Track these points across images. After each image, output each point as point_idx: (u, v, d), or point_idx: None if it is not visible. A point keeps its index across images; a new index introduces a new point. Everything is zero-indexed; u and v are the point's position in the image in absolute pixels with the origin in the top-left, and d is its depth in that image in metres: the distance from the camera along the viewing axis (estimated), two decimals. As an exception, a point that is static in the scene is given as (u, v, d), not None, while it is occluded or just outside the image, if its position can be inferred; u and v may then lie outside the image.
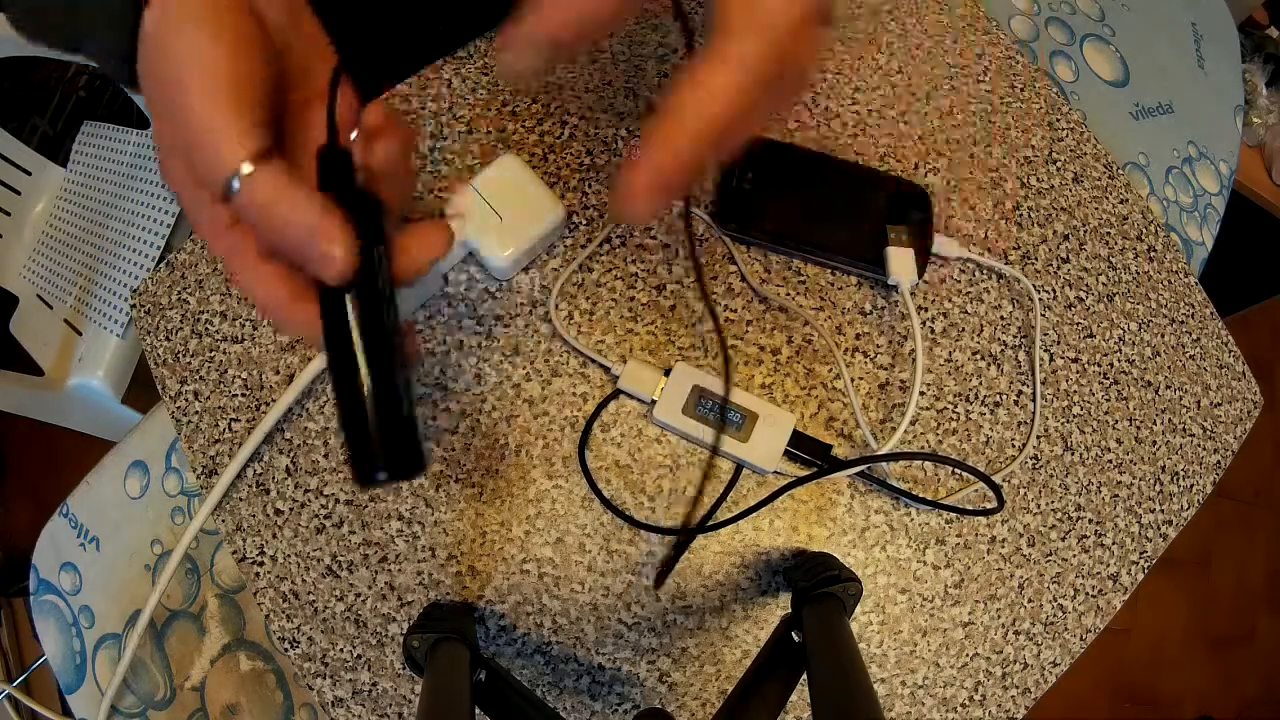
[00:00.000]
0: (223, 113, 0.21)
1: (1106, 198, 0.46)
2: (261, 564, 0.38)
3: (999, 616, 0.39)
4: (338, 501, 0.38)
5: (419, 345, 0.37)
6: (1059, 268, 0.44)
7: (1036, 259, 0.44)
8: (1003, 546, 0.40)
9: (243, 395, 0.40)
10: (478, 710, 0.30)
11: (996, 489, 0.35)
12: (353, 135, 0.26)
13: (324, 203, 0.22)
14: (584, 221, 0.41)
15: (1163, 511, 0.43)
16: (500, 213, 0.38)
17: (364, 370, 0.24)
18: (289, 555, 0.38)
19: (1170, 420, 0.44)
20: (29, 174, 0.94)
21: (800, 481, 0.36)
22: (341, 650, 0.38)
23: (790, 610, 0.34)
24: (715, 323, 0.34)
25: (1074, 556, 0.41)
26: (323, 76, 0.26)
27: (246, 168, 0.21)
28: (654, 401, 0.37)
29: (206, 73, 0.21)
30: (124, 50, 0.23)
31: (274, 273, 0.25)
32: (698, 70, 0.21)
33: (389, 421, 0.24)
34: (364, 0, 0.38)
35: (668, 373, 0.38)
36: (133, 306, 0.42)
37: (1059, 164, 0.46)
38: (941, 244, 0.41)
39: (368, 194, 0.24)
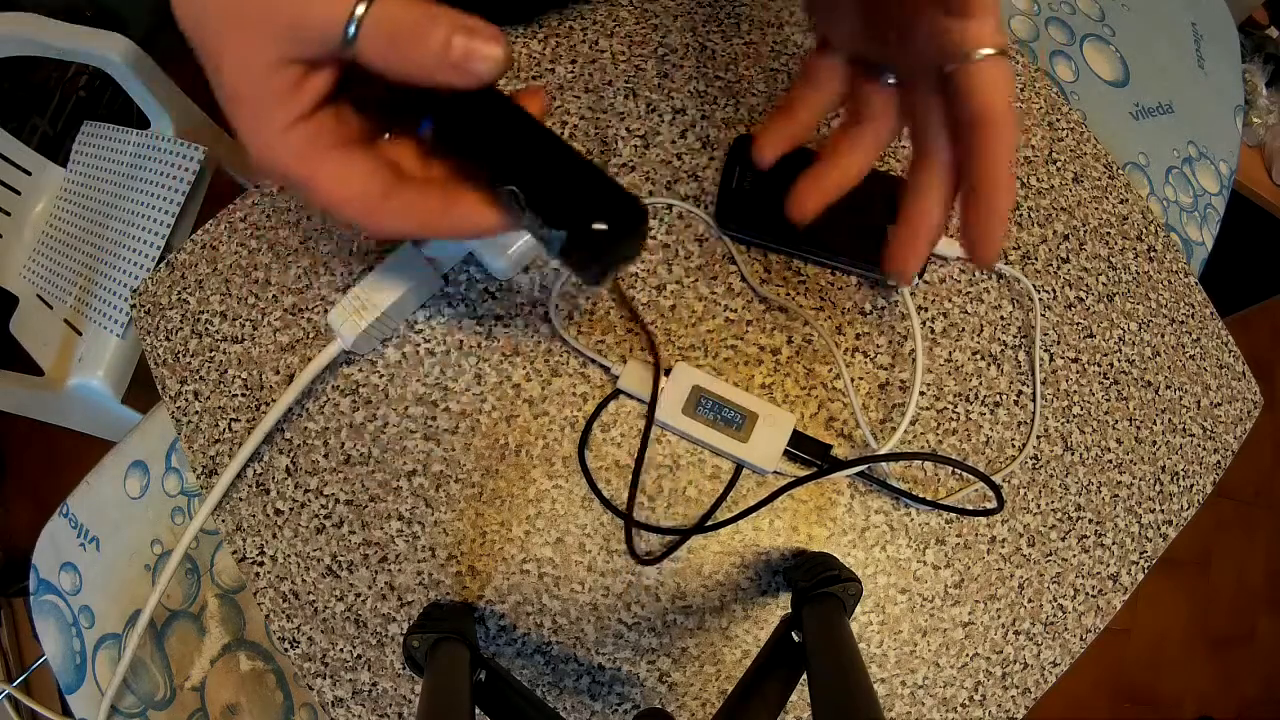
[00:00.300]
0: None
1: (1106, 198, 0.46)
2: (261, 564, 0.38)
3: (999, 616, 0.39)
4: (338, 501, 0.38)
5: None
6: (1059, 268, 0.44)
7: (1036, 259, 0.44)
8: (1003, 546, 0.40)
9: (243, 395, 0.40)
10: (478, 710, 0.30)
11: (996, 489, 0.35)
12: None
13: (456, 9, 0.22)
14: (584, 221, 0.41)
15: (1163, 511, 0.43)
16: (500, 213, 0.38)
17: (552, 138, 0.23)
18: (289, 555, 0.38)
19: (1170, 420, 0.44)
20: (29, 174, 0.94)
21: (800, 481, 0.36)
22: (341, 650, 0.38)
23: (790, 610, 0.34)
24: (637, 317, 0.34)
25: (1074, 556, 0.41)
26: None
27: (362, 7, 0.21)
28: (654, 401, 0.37)
29: None
30: None
31: (362, 156, 0.24)
32: (987, 133, 0.25)
33: (595, 185, 0.23)
34: None
35: (668, 373, 0.38)
36: (133, 306, 0.42)
37: (1059, 164, 0.46)
38: (941, 244, 0.41)
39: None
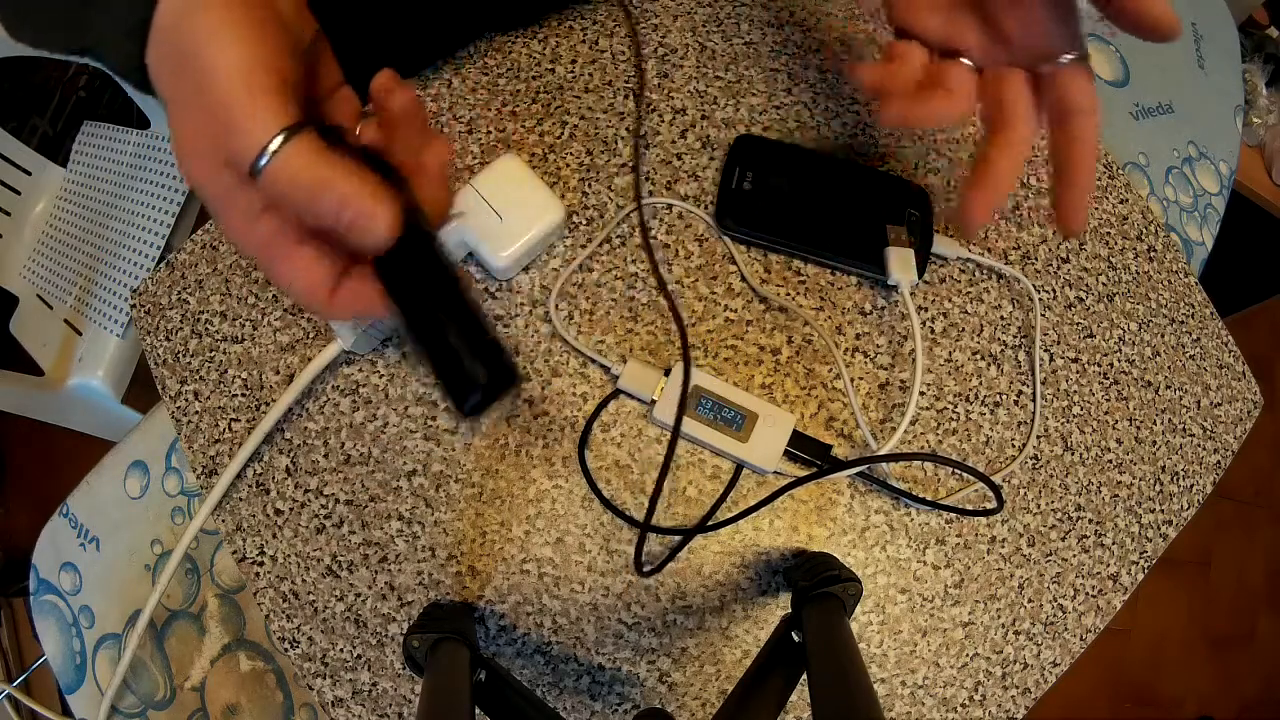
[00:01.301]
0: (251, 88, 0.21)
1: (1106, 198, 0.46)
2: (261, 564, 0.38)
3: (999, 616, 0.39)
4: (338, 501, 0.38)
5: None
6: (1059, 268, 0.44)
7: (1036, 259, 0.44)
8: (1003, 546, 0.40)
9: (243, 395, 0.40)
10: (478, 710, 0.30)
11: (996, 489, 0.35)
12: (357, 130, 0.26)
13: (359, 170, 0.22)
14: (584, 221, 0.41)
15: (1163, 511, 0.43)
16: (500, 213, 0.38)
17: (446, 307, 0.24)
18: (289, 555, 0.38)
19: (1170, 420, 0.44)
20: (29, 174, 0.94)
21: (800, 481, 0.36)
22: (341, 650, 0.38)
23: (790, 610, 0.34)
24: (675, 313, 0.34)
25: (1074, 556, 0.41)
26: (333, 73, 0.26)
27: (276, 141, 0.21)
28: (654, 401, 0.37)
29: (231, 50, 0.21)
30: (135, 51, 0.23)
31: (314, 257, 0.24)
32: (1080, 122, 0.30)
33: (477, 346, 0.24)
34: (363, 4, 0.38)
35: (668, 373, 0.38)
36: (133, 306, 0.42)
37: (1059, 164, 0.46)
38: (941, 244, 0.41)
39: (378, 156, 0.24)
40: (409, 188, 0.25)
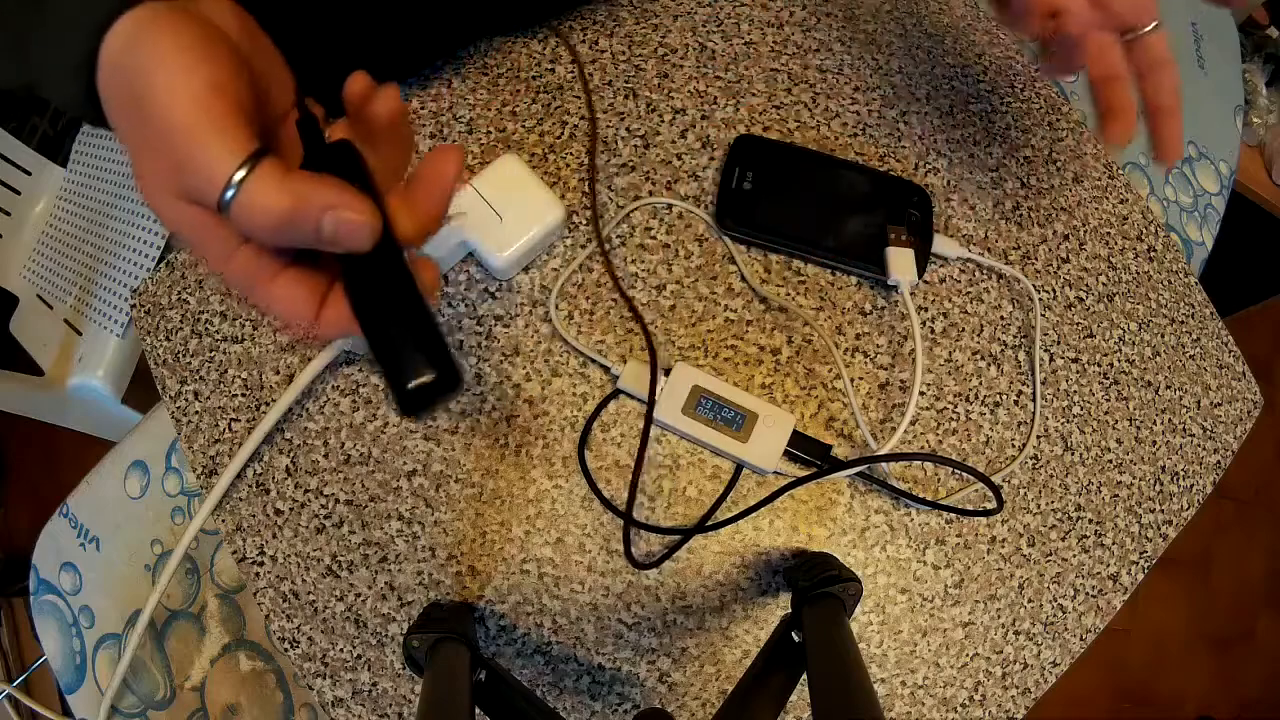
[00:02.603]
0: (205, 119, 0.20)
1: (1106, 198, 0.46)
2: (261, 564, 0.38)
3: (999, 616, 0.39)
4: (338, 501, 0.38)
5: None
6: (1059, 268, 0.44)
7: (1036, 259, 0.44)
8: (1003, 546, 0.40)
9: (243, 395, 0.40)
10: (478, 710, 0.30)
11: (996, 490, 0.35)
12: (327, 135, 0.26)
13: (328, 180, 0.21)
14: (584, 221, 0.41)
15: (1163, 511, 0.43)
16: (500, 213, 0.38)
17: (398, 307, 0.24)
18: (289, 555, 0.38)
19: (1170, 420, 0.44)
20: (29, 174, 0.94)
21: (800, 481, 0.36)
22: (341, 650, 0.38)
23: (790, 610, 0.34)
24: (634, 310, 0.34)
25: (1074, 556, 0.41)
26: (284, 97, 0.25)
27: (240, 174, 0.20)
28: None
29: (181, 84, 0.20)
30: (80, 88, 0.22)
31: (294, 283, 0.24)
32: (1165, 71, 0.36)
33: (424, 342, 0.24)
34: (319, 17, 0.37)
35: (668, 373, 0.38)
36: (133, 306, 0.42)
37: (1059, 164, 0.46)
38: (941, 244, 0.41)
39: (347, 149, 0.24)
40: (375, 186, 0.24)
